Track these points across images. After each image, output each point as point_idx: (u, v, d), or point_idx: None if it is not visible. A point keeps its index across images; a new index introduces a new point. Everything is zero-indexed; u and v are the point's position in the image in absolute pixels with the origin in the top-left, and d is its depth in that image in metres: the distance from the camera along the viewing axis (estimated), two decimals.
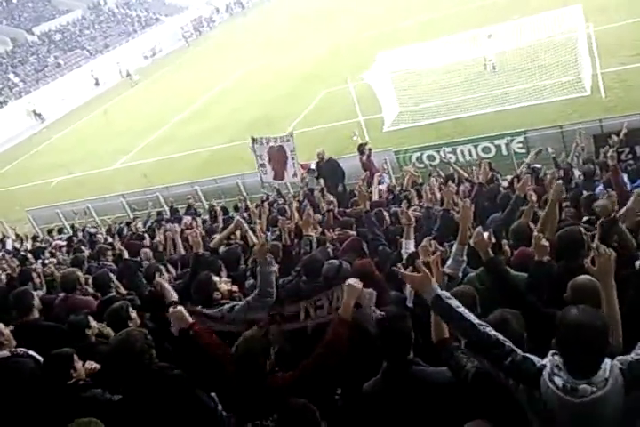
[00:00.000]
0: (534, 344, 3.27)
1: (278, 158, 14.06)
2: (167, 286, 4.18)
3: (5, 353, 4.51)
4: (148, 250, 7.82)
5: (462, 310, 3.22)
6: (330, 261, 4.95)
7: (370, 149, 14.53)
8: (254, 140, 14.41)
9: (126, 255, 7.18)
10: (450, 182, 9.18)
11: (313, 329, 4.12)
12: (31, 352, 4.62)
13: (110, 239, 11.80)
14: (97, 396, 4.08)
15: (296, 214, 8.66)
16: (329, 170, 14.28)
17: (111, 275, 6.60)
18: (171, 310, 4.19)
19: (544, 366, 2.85)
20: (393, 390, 3.43)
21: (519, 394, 2.96)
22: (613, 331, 3.23)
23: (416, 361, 3.49)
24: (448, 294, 3.34)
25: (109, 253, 8.71)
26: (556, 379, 2.75)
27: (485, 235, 4.51)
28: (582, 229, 4.77)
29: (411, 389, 3.37)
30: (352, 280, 3.73)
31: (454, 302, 3.27)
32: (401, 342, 3.47)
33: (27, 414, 4.09)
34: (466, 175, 10.27)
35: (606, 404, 2.69)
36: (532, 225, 5.57)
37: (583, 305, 2.89)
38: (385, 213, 7.39)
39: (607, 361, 2.74)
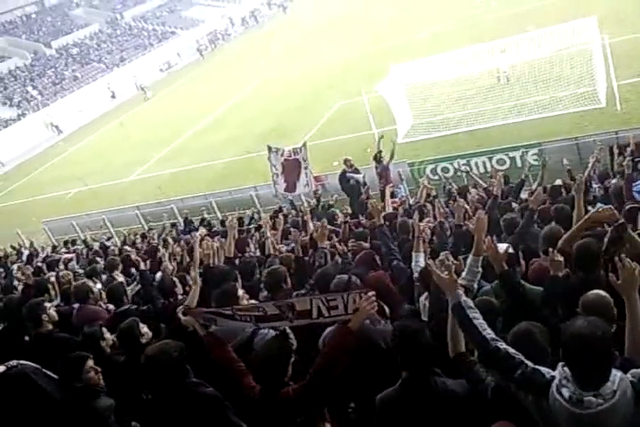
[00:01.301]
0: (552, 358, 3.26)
1: (292, 170, 14.07)
2: (197, 325, 4.21)
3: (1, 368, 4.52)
4: (168, 264, 7.84)
5: (479, 322, 3.26)
6: (339, 275, 4.94)
7: (392, 155, 14.39)
8: (270, 150, 14.46)
9: (142, 266, 7.22)
10: (459, 198, 9.14)
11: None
12: (23, 362, 4.62)
13: (127, 250, 11.85)
14: (103, 404, 4.11)
15: (311, 226, 8.67)
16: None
17: (126, 287, 6.64)
18: (182, 318, 4.19)
19: (553, 377, 2.86)
20: (411, 400, 3.41)
21: (528, 405, 2.98)
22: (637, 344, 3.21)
23: (436, 372, 3.47)
24: (470, 304, 3.39)
25: (120, 266, 8.74)
26: (564, 390, 2.76)
27: (502, 247, 4.48)
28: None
29: (429, 399, 3.36)
30: (368, 300, 3.63)
31: (472, 313, 3.31)
32: (422, 355, 3.43)
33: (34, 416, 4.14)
34: (485, 185, 10.23)
35: (613, 416, 2.68)
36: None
37: (588, 316, 2.90)
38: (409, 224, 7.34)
39: (617, 373, 2.73)
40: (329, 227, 7.43)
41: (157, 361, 3.74)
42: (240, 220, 12.86)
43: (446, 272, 3.58)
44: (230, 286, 5.12)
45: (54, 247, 15.65)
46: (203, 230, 12.34)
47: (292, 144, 16.22)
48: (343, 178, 14.41)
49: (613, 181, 9.12)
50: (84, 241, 15.45)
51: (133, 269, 8.23)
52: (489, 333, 3.21)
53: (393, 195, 11.64)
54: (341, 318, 3.66)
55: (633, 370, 2.82)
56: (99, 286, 7.20)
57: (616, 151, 10.51)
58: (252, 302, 5.14)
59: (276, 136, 23.44)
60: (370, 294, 3.61)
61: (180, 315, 4.23)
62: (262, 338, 4.37)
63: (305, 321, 3.83)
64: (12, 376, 4.41)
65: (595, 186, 9.74)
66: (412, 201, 11.27)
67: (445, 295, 3.55)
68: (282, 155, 14.19)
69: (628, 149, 9.96)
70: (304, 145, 14.13)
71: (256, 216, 13.83)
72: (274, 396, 3.54)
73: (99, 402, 4.13)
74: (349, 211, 11.17)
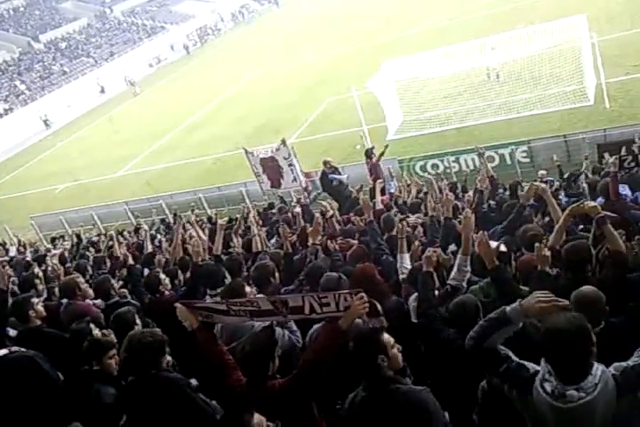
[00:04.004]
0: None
1: (271, 167, 14.11)
2: (191, 317, 4.20)
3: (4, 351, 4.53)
4: (160, 257, 7.82)
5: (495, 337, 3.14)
6: (328, 273, 4.93)
7: (382, 153, 14.28)
8: (246, 152, 14.48)
9: (131, 261, 7.21)
10: (448, 191, 9.18)
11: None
12: (23, 349, 4.64)
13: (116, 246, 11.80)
14: (110, 391, 4.15)
15: (301, 221, 8.66)
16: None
17: (112, 280, 6.60)
18: (177, 308, 4.20)
19: (537, 371, 2.89)
20: (370, 407, 3.35)
21: (513, 399, 3.02)
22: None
23: (396, 379, 3.39)
24: (511, 330, 3.17)
25: (108, 262, 8.72)
26: (546, 385, 2.80)
27: (494, 244, 4.49)
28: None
29: (388, 406, 3.31)
30: (360, 300, 3.59)
31: (500, 333, 3.15)
32: (370, 360, 3.36)
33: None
34: (492, 173, 10.23)
35: (595, 409, 2.73)
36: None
37: (566, 312, 2.91)
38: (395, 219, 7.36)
39: (598, 367, 2.77)
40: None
41: (131, 344, 3.82)
42: (230, 220, 12.82)
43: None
44: (238, 281, 5.11)
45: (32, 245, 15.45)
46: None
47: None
48: (325, 179, 14.35)
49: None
50: (78, 235, 15.26)
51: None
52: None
53: (383, 191, 11.61)
54: (333, 315, 3.68)
55: (615, 364, 2.86)
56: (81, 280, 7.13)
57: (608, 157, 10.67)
58: (260, 296, 5.13)
59: (267, 132, 23.41)
60: (361, 294, 3.62)
61: (177, 306, 4.21)
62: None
63: (298, 317, 3.85)
64: (15, 358, 4.42)
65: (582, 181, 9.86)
66: (406, 198, 11.28)
67: (433, 289, 3.55)
68: (258, 155, 14.23)
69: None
70: (283, 143, 14.07)
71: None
72: (260, 389, 3.57)
73: (108, 389, 4.17)
74: (334, 205, 11.02)
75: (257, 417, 3.21)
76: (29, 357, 4.44)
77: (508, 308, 3.05)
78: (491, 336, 3.09)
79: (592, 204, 4.88)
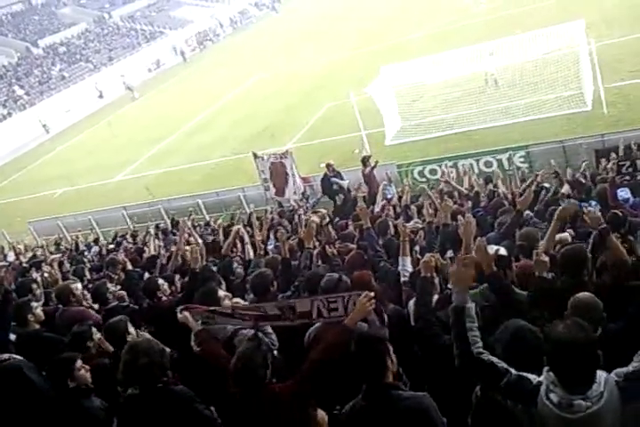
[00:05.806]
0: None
1: (279, 174, 14.17)
2: (191, 319, 4.20)
3: None
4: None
5: (471, 334, 3.18)
6: (329, 274, 4.92)
7: (376, 162, 14.32)
8: (256, 156, 14.51)
9: (129, 266, 7.21)
10: (447, 197, 9.20)
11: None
12: (15, 355, 4.60)
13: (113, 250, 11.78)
14: (95, 404, 4.11)
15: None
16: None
17: (108, 285, 6.58)
18: (179, 315, 4.19)
19: (540, 382, 2.83)
20: (372, 413, 3.32)
21: (518, 413, 2.95)
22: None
23: (395, 385, 3.37)
24: (472, 312, 3.29)
25: (120, 266, 8.70)
26: (552, 395, 2.75)
27: (492, 249, 4.48)
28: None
29: (387, 413, 3.28)
30: (367, 297, 3.63)
31: (470, 323, 3.23)
32: (375, 366, 3.33)
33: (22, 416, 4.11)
34: (465, 192, 10.27)
35: (603, 418, 2.69)
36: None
37: (570, 320, 2.89)
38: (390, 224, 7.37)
39: (602, 374, 2.74)
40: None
41: (139, 351, 3.71)
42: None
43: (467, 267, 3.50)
44: (211, 286, 5.10)
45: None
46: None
47: (281, 145, 16.10)
48: (327, 182, 14.38)
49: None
50: (77, 243, 15.22)
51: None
52: (477, 347, 3.15)
53: (384, 196, 11.61)
54: (340, 320, 3.68)
55: (617, 369, 2.82)
56: (79, 285, 7.11)
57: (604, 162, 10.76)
58: (236, 300, 5.11)
59: (265, 137, 23.40)
60: (371, 293, 3.61)
61: (179, 311, 4.21)
62: (242, 339, 4.35)
63: (305, 321, 3.90)
64: (4, 369, 4.37)
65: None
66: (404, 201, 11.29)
67: (431, 294, 3.53)
68: (268, 159, 14.28)
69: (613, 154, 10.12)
70: (290, 153, 14.18)
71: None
72: (261, 394, 3.51)
73: (90, 402, 4.13)
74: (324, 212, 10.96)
75: (320, 413, 3.19)
76: (18, 367, 4.39)
77: (452, 300, 3.22)
78: (468, 340, 3.11)
79: (596, 215, 4.87)
